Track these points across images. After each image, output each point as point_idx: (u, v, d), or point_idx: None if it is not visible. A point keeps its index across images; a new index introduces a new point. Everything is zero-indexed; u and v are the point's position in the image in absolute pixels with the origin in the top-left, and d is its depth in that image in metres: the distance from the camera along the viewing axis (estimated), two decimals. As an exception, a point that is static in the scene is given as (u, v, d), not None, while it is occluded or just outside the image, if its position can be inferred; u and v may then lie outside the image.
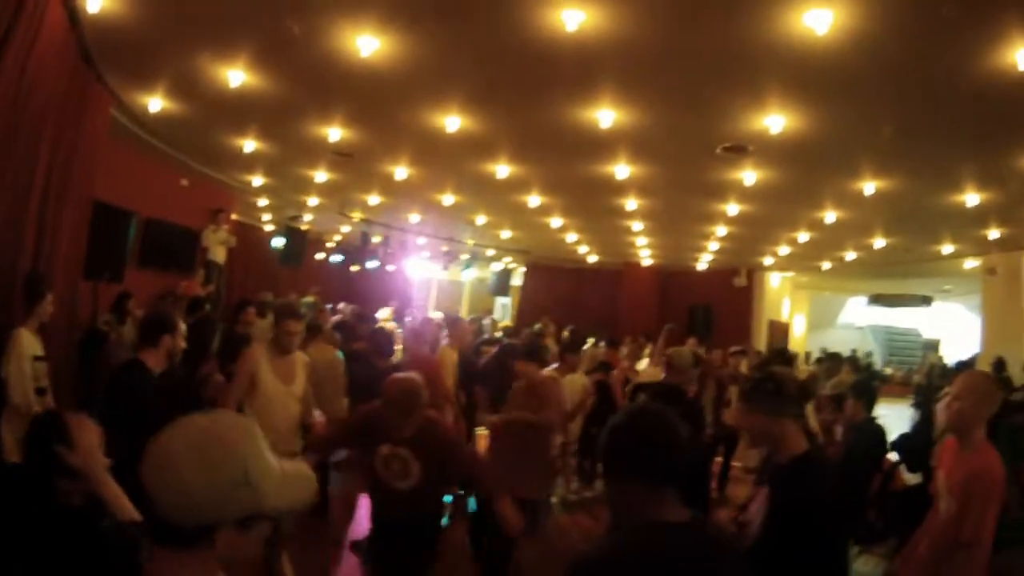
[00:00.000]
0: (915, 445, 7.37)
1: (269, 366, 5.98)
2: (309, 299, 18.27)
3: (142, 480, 1.70)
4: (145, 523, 1.77)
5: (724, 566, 2.44)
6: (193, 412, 1.82)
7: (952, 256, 16.90)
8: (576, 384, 9.06)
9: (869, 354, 28.77)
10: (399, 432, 4.79)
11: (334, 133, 9.87)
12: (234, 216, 17.01)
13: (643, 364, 11.54)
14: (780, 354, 15.20)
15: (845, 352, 18.17)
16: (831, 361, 9.81)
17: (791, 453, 3.46)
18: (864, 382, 8.79)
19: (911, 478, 7.63)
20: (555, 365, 8.72)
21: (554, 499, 9.31)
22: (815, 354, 21.80)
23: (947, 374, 26.14)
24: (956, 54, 6.08)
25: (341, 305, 17.96)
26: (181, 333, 5.25)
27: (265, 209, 18.92)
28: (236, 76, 7.70)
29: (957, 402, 4.17)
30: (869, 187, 10.47)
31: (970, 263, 17.52)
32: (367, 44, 6.55)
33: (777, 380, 3.57)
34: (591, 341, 14.05)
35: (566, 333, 14.16)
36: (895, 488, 7.36)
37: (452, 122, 8.75)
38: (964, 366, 10.71)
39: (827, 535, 3.27)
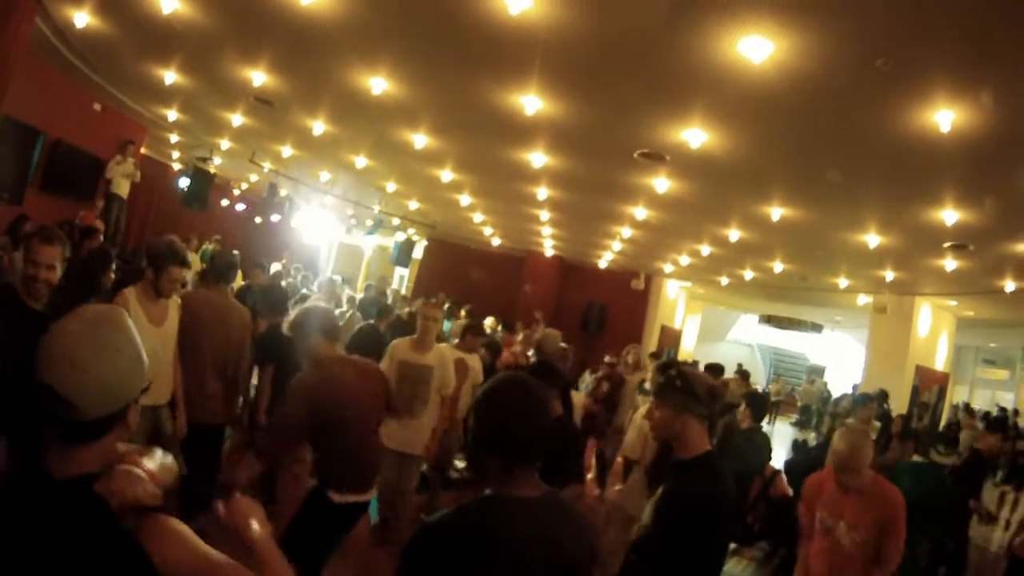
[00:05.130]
0: (809, 466, 7.72)
1: (141, 309, 5.62)
2: (209, 247, 18.05)
3: (54, 391, 1.72)
4: (54, 427, 1.77)
5: (565, 541, 2.47)
6: None
7: (847, 290, 17.58)
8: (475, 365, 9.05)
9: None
10: None
11: (258, 77, 9.74)
12: (142, 150, 16.67)
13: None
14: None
15: (731, 365, 18.65)
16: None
17: (692, 452, 3.47)
18: (759, 395, 9.15)
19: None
20: (455, 342, 8.83)
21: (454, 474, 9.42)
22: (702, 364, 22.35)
23: (827, 400, 27.41)
24: (883, 105, 6.40)
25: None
26: (31, 256, 4.40)
27: (175, 146, 18.51)
28: (169, 2, 7.52)
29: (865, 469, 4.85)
30: (777, 212, 10.83)
31: (863, 299, 18.26)
32: (308, -9, 6.47)
33: (686, 378, 3.57)
34: (490, 322, 14.26)
35: (464, 312, 14.28)
36: (774, 495, 7.69)
37: (378, 84, 8.73)
38: (866, 399, 11.18)
39: (715, 535, 3.33)
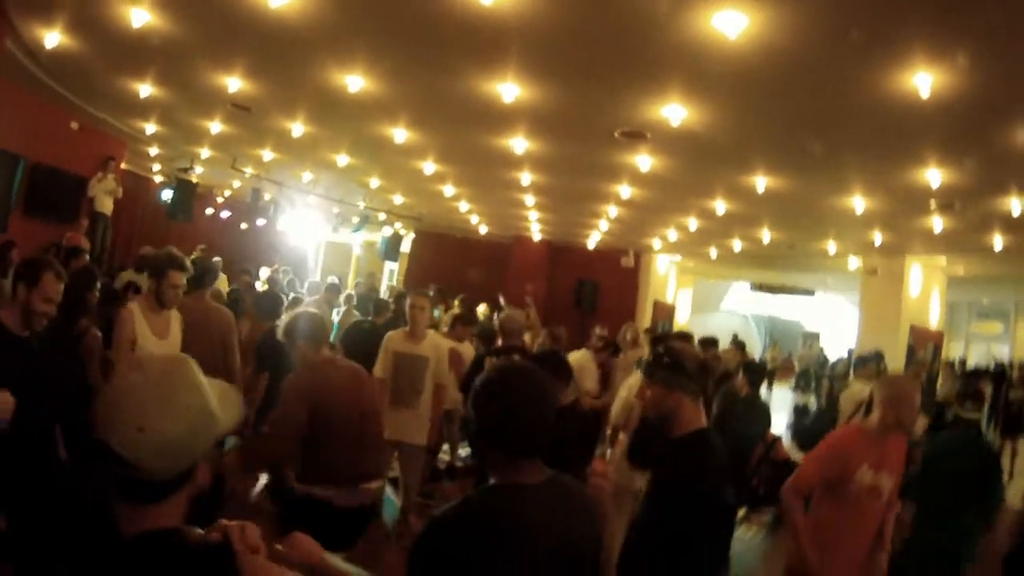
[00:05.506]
0: (819, 429, 7.72)
1: (145, 322, 5.68)
2: (196, 255, 17.98)
3: (117, 452, 1.62)
4: (118, 487, 1.71)
5: (571, 524, 2.47)
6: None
7: (836, 255, 17.66)
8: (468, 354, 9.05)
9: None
10: None
11: (233, 84, 9.68)
12: (123, 165, 16.60)
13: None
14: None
15: (726, 336, 18.76)
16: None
17: (685, 428, 3.42)
18: (755, 363, 9.20)
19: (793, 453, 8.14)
20: (444, 330, 8.84)
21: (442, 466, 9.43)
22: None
23: (824, 364, 27.60)
24: (860, 73, 6.43)
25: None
26: (45, 292, 4.31)
27: (155, 159, 18.42)
28: (140, 15, 7.45)
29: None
30: (761, 183, 10.85)
31: (853, 262, 18.31)
32: (277, -6, 6.43)
33: (675, 355, 3.53)
34: (483, 310, 14.24)
35: (457, 302, 14.23)
36: (776, 458, 7.73)
37: (355, 82, 8.67)
38: (864, 361, 11.22)
39: (707, 512, 3.24)
